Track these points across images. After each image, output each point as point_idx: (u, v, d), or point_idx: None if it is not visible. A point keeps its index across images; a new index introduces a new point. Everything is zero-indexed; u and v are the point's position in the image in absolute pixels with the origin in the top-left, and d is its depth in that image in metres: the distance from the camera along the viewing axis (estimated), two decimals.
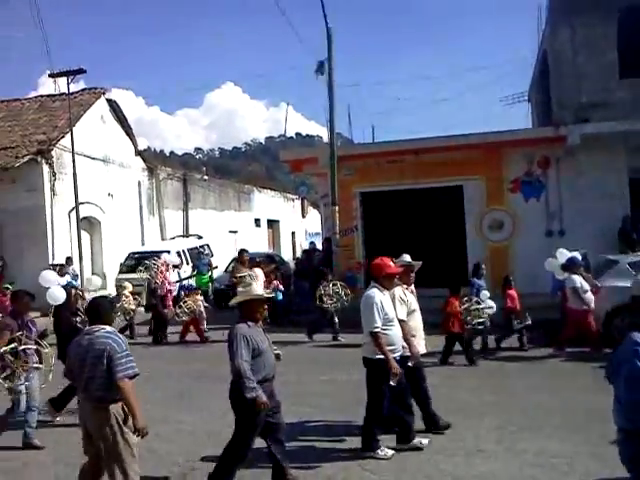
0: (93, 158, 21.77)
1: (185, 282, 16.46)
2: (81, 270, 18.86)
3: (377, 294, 5.67)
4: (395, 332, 5.70)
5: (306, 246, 26.28)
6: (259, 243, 31.33)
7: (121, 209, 23.06)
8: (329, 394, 8.06)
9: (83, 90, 23.39)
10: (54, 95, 23.27)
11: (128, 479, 4.44)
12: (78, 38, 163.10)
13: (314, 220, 36.56)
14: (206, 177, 30.67)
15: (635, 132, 14.10)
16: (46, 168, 19.65)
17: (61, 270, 15.12)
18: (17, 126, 21.99)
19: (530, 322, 10.58)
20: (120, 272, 19.11)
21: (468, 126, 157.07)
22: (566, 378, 8.47)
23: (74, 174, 19.24)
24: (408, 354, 5.92)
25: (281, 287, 13.49)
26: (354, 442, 5.96)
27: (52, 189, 19.73)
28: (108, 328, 4.61)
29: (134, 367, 4.47)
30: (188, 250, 20.23)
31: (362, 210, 16.79)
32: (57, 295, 7.55)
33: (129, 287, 13.58)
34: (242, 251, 12.61)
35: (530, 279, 13.67)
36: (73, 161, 19.32)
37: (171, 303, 13.73)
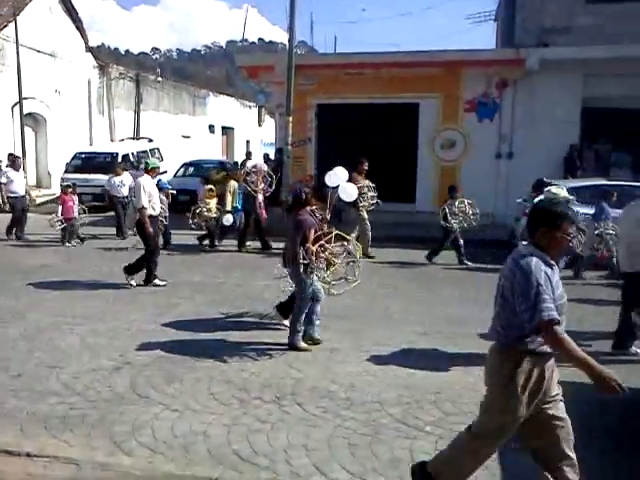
0: (39, 51, 20.66)
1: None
2: (24, 167, 18.29)
3: None
4: None
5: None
6: (212, 150, 30.80)
7: (68, 107, 22.19)
8: None
9: None
10: None
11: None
12: None
13: (270, 130, 35.99)
14: (160, 78, 29.57)
15: (594, 60, 14.08)
16: None
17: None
18: None
19: None
20: (66, 172, 18.62)
21: (432, 43, 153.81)
22: None
23: (18, 66, 18.30)
24: None
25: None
26: None
27: None
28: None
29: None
30: (138, 153, 19.75)
31: (317, 122, 16.60)
32: (351, 192, 7.16)
33: (213, 188, 12.47)
34: (361, 160, 11.55)
35: (477, 200, 13.97)
36: (17, 52, 18.30)
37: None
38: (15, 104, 18.83)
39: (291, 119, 15.55)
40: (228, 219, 12.01)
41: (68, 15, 22.64)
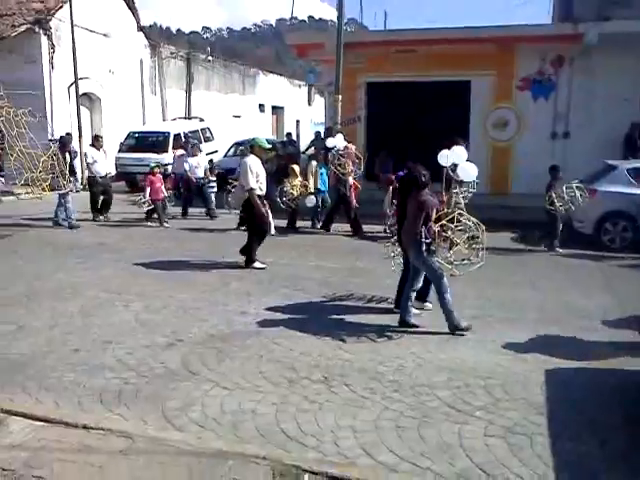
0: (92, 31, 21.00)
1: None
2: (81, 147, 18.77)
3: None
4: None
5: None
6: (262, 129, 30.89)
7: (122, 86, 22.56)
8: None
9: None
10: None
11: None
12: None
13: (320, 109, 35.84)
14: (210, 58, 29.75)
15: None
16: (44, 39, 19.02)
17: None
18: None
19: None
20: (120, 151, 19.02)
21: (487, 18, 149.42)
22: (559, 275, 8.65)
23: (73, 47, 18.64)
24: None
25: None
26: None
27: (51, 62, 19.21)
28: None
29: None
30: (190, 133, 19.97)
31: (367, 100, 16.44)
32: (471, 171, 7.01)
33: (297, 168, 12.16)
34: (458, 141, 9.38)
35: (531, 180, 13.65)
36: (72, 33, 18.65)
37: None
38: (71, 84, 19.25)
39: (340, 98, 15.44)
40: (311, 200, 11.82)
41: None
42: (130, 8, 23.46)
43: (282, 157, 14.52)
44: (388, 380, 4.99)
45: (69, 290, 7.60)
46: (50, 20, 19.17)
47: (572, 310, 6.94)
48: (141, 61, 24.20)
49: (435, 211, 6.16)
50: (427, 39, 15.31)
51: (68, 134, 18.00)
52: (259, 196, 8.72)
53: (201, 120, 22.22)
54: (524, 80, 15.20)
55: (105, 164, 13.41)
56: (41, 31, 18.94)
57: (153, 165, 13.12)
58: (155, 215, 12.67)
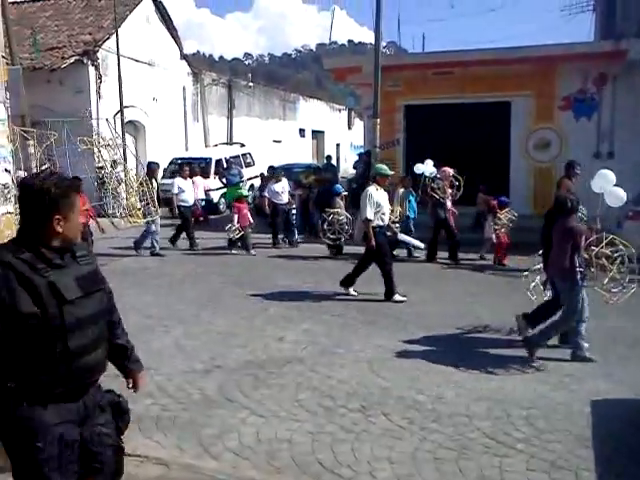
0: (137, 61, 21.64)
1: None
2: (125, 174, 19.21)
3: None
4: None
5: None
6: (303, 154, 31.18)
7: (165, 114, 23.10)
8: None
9: None
10: None
11: None
12: None
13: (360, 132, 36.06)
14: (251, 84, 30.29)
15: None
16: (92, 70, 19.69)
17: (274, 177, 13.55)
18: (64, 26, 21.88)
19: None
20: (163, 177, 19.38)
21: (526, 38, 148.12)
22: None
23: (119, 77, 19.23)
24: None
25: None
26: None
27: (98, 92, 19.84)
28: None
29: None
30: (231, 158, 20.29)
31: (405, 123, 16.42)
32: (621, 196, 6.62)
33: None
34: (574, 165, 9.54)
35: None
36: (118, 64, 19.26)
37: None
38: (117, 113, 19.83)
39: (379, 121, 15.44)
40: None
41: (164, 24, 23.60)
42: (173, 37, 24.14)
43: (320, 181, 14.61)
44: (427, 409, 4.90)
45: None
46: (97, 51, 19.86)
47: (618, 336, 6.71)
48: (184, 88, 24.78)
49: (584, 239, 5.95)
50: (465, 61, 15.22)
51: (114, 161, 18.46)
52: (381, 226, 8.43)
53: (242, 145, 22.57)
54: (565, 99, 14.94)
55: (192, 193, 13.18)
56: (89, 62, 19.61)
57: (245, 194, 13.19)
58: (239, 243, 12.38)
